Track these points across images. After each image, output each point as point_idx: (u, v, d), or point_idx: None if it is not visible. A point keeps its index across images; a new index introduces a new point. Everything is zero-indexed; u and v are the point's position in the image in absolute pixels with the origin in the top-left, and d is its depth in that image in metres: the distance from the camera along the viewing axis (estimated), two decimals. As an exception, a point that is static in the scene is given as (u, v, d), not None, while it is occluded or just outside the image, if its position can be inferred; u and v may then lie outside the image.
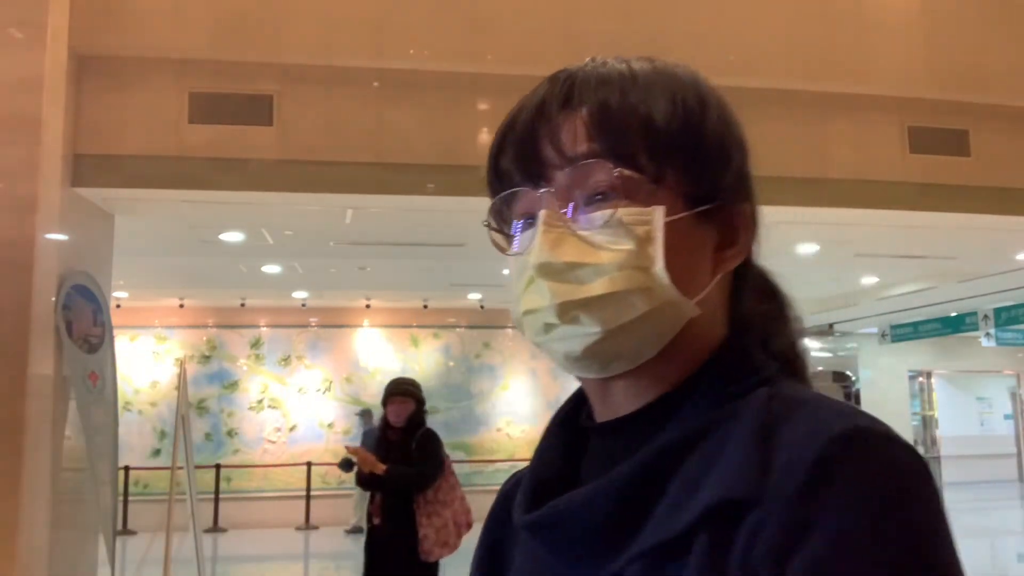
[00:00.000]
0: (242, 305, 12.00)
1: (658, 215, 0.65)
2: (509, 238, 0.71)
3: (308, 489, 11.99)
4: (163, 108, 5.09)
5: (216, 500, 11.62)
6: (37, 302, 4.51)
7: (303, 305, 12.06)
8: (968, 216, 6.09)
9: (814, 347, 14.88)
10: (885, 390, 14.93)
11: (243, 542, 11.06)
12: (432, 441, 4.76)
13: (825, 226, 6.68)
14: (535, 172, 0.68)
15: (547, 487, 0.70)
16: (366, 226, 6.72)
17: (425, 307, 12.30)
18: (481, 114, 5.29)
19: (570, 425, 0.75)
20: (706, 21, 5.48)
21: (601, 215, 0.65)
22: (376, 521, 4.71)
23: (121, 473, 10.20)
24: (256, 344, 12.52)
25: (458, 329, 12.98)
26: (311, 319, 12.56)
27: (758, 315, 0.73)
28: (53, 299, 4.69)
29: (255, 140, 5.16)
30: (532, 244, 0.66)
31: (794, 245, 7.39)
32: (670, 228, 0.65)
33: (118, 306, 10.67)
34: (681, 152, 0.67)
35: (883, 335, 14.40)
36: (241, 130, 5.16)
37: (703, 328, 0.68)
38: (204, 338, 12.38)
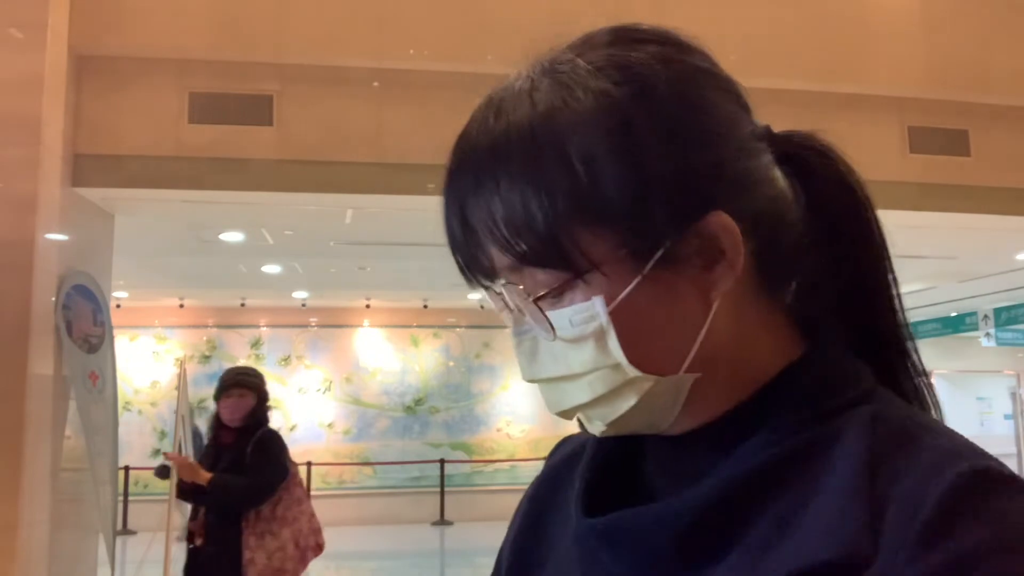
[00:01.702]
0: (242, 305, 12.00)
1: (599, 307, 0.57)
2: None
3: (308, 489, 11.97)
4: (163, 108, 5.09)
5: (216, 500, 11.62)
6: (37, 302, 4.51)
7: (303, 305, 12.06)
8: (968, 216, 6.09)
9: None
10: (885, 390, 14.93)
11: (243, 542, 11.06)
12: (272, 445, 4.01)
13: (825, 226, 6.68)
14: (474, 276, 0.63)
15: (604, 483, 0.67)
16: (366, 226, 6.72)
17: (425, 307, 12.30)
18: (481, 114, 5.30)
19: None
20: (706, 21, 5.48)
21: (547, 332, 0.60)
22: (198, 542, 3.96)
23: (121, 473, 10.20)
24: (256, 344, 12.52)
25: (458, 329, 12.97)
26: (311, 319, 12.56)
27: (827, 290, 0.64)
28: (53, 299, 4.69)
29: (255, 140, 5.16)
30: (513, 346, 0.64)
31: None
32: (624, 308, 0.57)
33: (118, 306, 10.66)
34: (581, 223, 0.56)
35: (883, 335, 14.39)
36: (241, 130, 5.16)
37: (737, 354, 0.60)
38: (204, 338, 12.38)
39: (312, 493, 11.98)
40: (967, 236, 7.02)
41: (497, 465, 12.24)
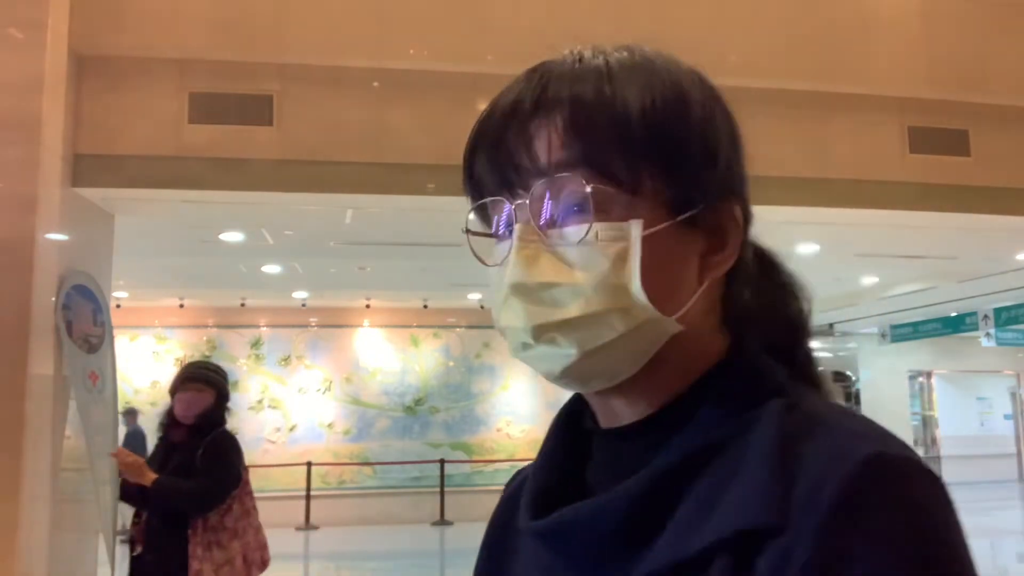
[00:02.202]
0: (242, 305, 12.00)
1: (635, 230, 0.62)
2: (492, 240, 0.69)
3: (308, 489, 11.98)
4: (163, 108, 5.09)
5: (216, 500, 11.62)
6: (37, 302, 4.51)
7: (303, 305, 12.06)
8: (968, 216, 6.09)
9: (814, 347, 14.89)
10: (885, 390, 14.94)
11: (243, 542, 11.05)
12: (227, 448, 3.70)
13: (825, 226, 6.68)
14: (509, 181, 0.65)
15: (552, 491, 0.69)
16: (366, 226, 6.72)
17: (425, 307, 12.30)
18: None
19: (574, 427, 0.74)
20: (706, 21, 5.48)
21: (576, 232, 0.62)
22: (139, 549, 3.64)
23: (121, 473, 10.18)
24: (256, 344, 12.52)
25: (458, 329, 12.97)
26: (311, 319, 12.56)
27: (759, 312, 0.71)
28: (53, 299, 4.69)
29: (255, 140, 5.16)
30: (507, 259, 0.64)
31: (794, 245, 7.40)
32: (649, 242, 0.62)
33: (118, 306, 10.66)
34: (659, 156, 0.63)
35: (883, 335, 14.40)
36: (241, 130, 5.16)
37: (693, 338, 0.65)
38: (204, 338, 12.38)
39: (312, 493, 12.02)
40: (967, 236, 7.02)
41: (497, 465, 12.23)
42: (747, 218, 0.68)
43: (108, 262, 5.60)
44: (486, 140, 0.66)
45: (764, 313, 0.71)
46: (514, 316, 0.64)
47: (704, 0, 5.57)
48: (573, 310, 0.62)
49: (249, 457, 13.00)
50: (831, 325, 13.71)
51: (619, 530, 0.61)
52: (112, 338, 5.29)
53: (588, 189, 0.61)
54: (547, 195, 0.63)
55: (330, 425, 12.45)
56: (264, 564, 3.74)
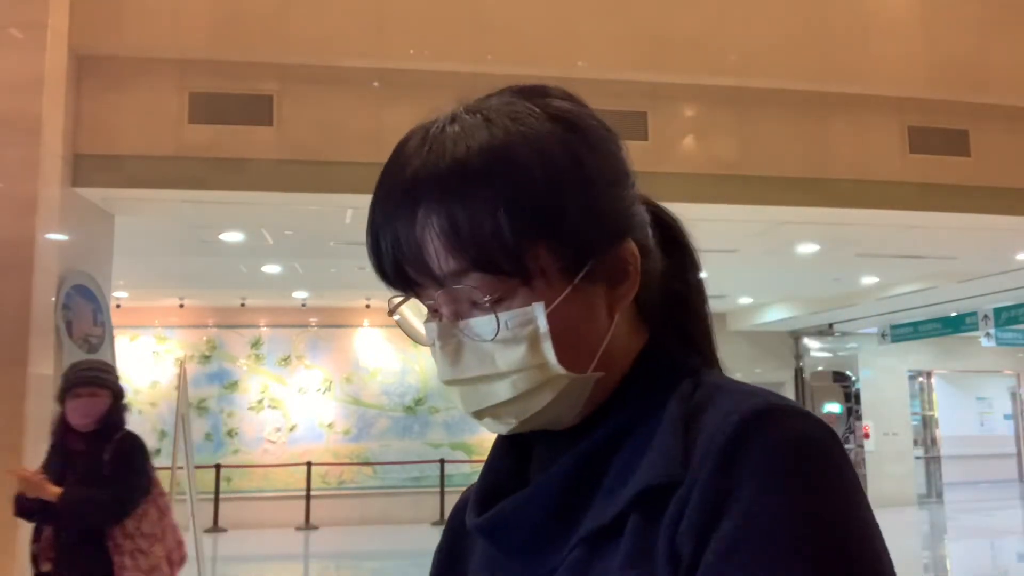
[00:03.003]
0: (242, 305, 12.00)
1: (538, 312, 0.65)
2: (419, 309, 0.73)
3: (308, 489, 11.98)
4: (163, 108, 5.09)
5: (216, 500, 11.62)
6: (37, 302, 4.51)
7: (303, 305, 12.06)
8: (968, 216, 6.09)
9: (814, 347, 14.89)
10: (885, 390, 14.93)
11: (243, 542, 11.06)
12: (136, 452, 3.49)
13: (825, 226, 6.68)
14: (412, 286, 0.68)
15: (496, 493, 0.73)
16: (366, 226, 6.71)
17: (425, 307, 12.29)
18: (481, 114, 5.29)
19: (517, 437, 0.77)
20: (706, 21, 5.48)
21: (487, 326, 0.66)
22: (45, 568, 3.37)
23: (121, 473, 10.18)
24: (256, 344, 12.52)
25: (458, 329, 12.96)
26: (311, 319, 12.56)
27: (669, 305, 0.76)
28: (53, 299, 4.69)
29: (255, 140, 5.16)
30: (435, 351, 0.69)
31: (794, 245, 7.40)
32: (555, 314, 0.65)
33: (118, 306, 10.66)
34: (539, 235, 0.65)
35: (883, 335, 14.39)
36: (241, 130, 5.16)
37: (615, 352, 0.70)
38: (204, 338, 12.38)
39: (312, 493, 12.02)
40: (967, 236, 7.02)
41: (497, 465, 12.21)
42: (643, 248, 0.71)
43: (108, 262, 5.60)
44: (378, 248, 0.69)
45: (673, 299, 0.77)
46: (455, 398, 0.70)
47: (704, 0, 5.57)
48: (503, 394, 0.67)
49: (249, 457, 12.97)
50: (831, 325, 13.70)
51: (552, 511, 0.67)
52: (112, 338, 5.30)
53: (485, 299, 0.65)
54: (450, 298, 0.67)
55: (330, 425, 12.45)
56: (183, 560, 3.62)
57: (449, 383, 0.69)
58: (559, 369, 0.66)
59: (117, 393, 3.57)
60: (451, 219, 0.64)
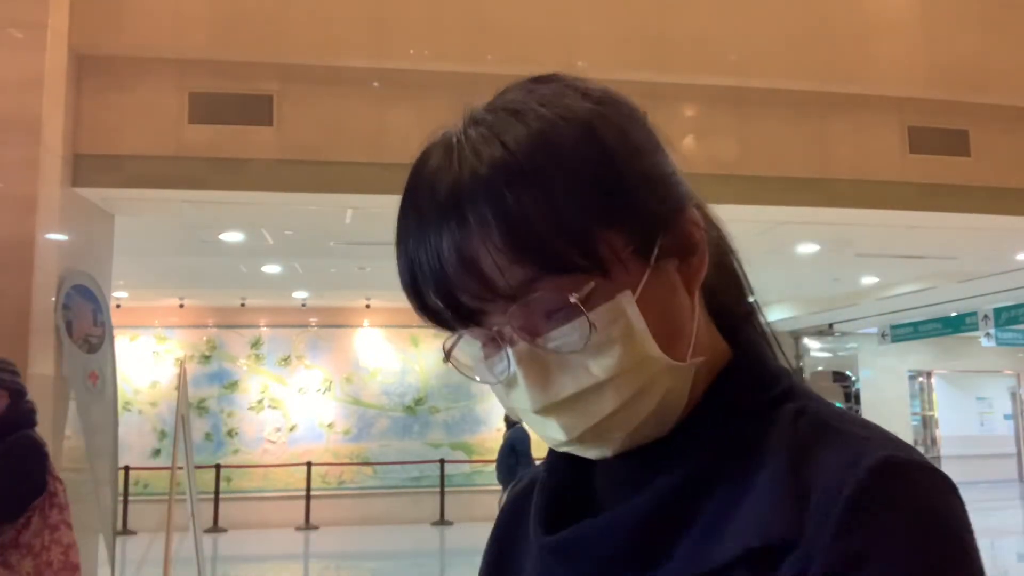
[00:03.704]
0: (242, 305, 12.00)
1: (627, 303, 0.59)
2: (477, 354, 0.64)
3: (308, 489, 11.98)
4: (163, 108, 5.09)
5: (216, 500, 11.62)
6: (37, 302, 4.51)
7: (303, 305, 12.06)
8: (968, 216, 6.09)
9: (814, 347, 14.89)
10: (885, 390, 14.94)
11: (243, 542, 11.06)
12: (23, 454, 3.21)
13: (825, 226, 6.68)
14: (470, 316, 0.60)
15: (560, 503, 0.69)
16: (366, 226, 6.71)
17: (425, 307, 12.29)
18: (481, 114, 5.29)
19: None
20: (706, 21, 5.48)
21: (575, 335, 0.59)
22: None
23: (121, 473, 10.20)
24: (256, 344, 12.51)
25: (458, 329, 12.96)
26: (311, 319, 12.56)
27: (724, 284, 0.70)
28: (53, 299, 4.69)
29: (255, 140, 5.16)
30: (516, 381, 0.61)
31: (794, 245, 7.39)
32: (642, 301, 0.60)
33: (118, 306, 10.67)
34: (607, 222, 0.59)
35: (883, 335, 14.40)
36: (241, 130, 5.16)
37: (702, 339, 0.65)
38: (204, 338, 12.38)
39: (312, 493, 12.02)
40: (967, 236, 7.02)
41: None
42: (702, 209, 0.68)
43: (108, 262, 5.60)
44: (424, 276, 0.60)
45: (724, 281, 0.71)
46: (552, 431, 0.62)
47: (704, 0, 5.57)
48: (608, 406, 0.60)
49: (249, 457, 12.96)
50: (831, 325, 13.71)
51: (630, 546, 0.61)
52: (112, 338, 5.30)
53: (572, 299, 0.58)
54: (524, 314, 0.59)
55: (330, 425, 12.45)
56: None
57: (542, 412, 0.61)
58: (663, 360, 0.60)
59: (16, 391, 3.30)
60: (508, 225, 0.57)
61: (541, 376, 0.60)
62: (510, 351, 0.60)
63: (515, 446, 8.33)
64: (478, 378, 0.65)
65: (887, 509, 0.53)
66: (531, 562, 0.72)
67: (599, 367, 0.59)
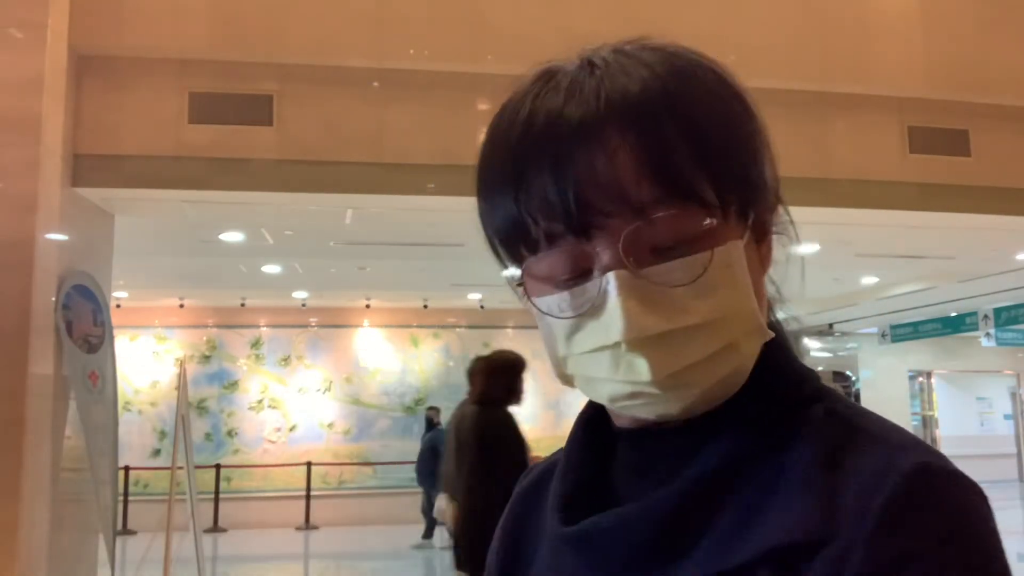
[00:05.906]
0: (242, 305, 12.00)
1: (738, 252, 0.59)
2: (547, 285, 0.61)
3: (308, 489, 11.98)
4: (163, 108, 5.09)
5: (216, 500, 11.63)
6: (37, 302, 4.50)
7: (303, 305, 12.06)
8: (968, 216, 6.09)
9: (814, 347, 14.89)
10: (885, 390, 14.94)
11: (243, 542, 11.06)
12: None
13: (825, 226, 6.68)
14: (583, 222, 0.58)
15: (579, 494, 0.68)
16: (366, 226, 6.72)
17: (425, 307, 12.30)
18: (481, 114, 5.29)
19: (596, 426, 0.71)
20: (706, 21, 5.48)
21: (686, 268, 0.57)
22: None
23: (121, 473, 10.20)
24: (256, 344, 12.52)
25: (458, 329, 12.97)
26: (311, 319, 12.56)
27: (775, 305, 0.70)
28: (53, 299, 4.69)
29: (255, 140, 5.16)
30: (604, 310, 0.58)
31: (794, 245, 7.38)
32: (744, 257, 0.60)
33: (118, 306, 10.66)
34: (735, 172, 0.61)
35: (883, 335, 14.40)
36: (241, 130, 5.16)
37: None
38: (204, 338, 12.38)
39: (312, 493, 12.02)
40: (967, 236, 7.02)
41: (497, 465, 12.22)
42: (780, 200, 0.68)
43: (108, 262, 5.60)
44: (539, 169, 0.58)
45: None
46: (631, 371, 0.59)
47: (704, 0, 5.57)
48: (699, 351, 0.58)
49: (249, 457, 13.00)
50: (831, 325, 13.70)
51: (652, 540, 0.60)
52: (112, 338, 5.29)
53: (706, 222, 0.58)
54: (641, 235, 0.58)
55: (330, 425, 12.45)
56: None
57: (634, 344, 0.57)
58: (758, 318, 0.60)
59: None
60: (653, 142, 0.57)
61: (640, 306, 0.57)
62: (611, 276, 0.57)
63: (437, 448, 8.37)
64: (544, 307, 0.61)
65: (924, 516, 0.54)
66: (545, 552, 0.70)
67: (701, 307, 0.58)
